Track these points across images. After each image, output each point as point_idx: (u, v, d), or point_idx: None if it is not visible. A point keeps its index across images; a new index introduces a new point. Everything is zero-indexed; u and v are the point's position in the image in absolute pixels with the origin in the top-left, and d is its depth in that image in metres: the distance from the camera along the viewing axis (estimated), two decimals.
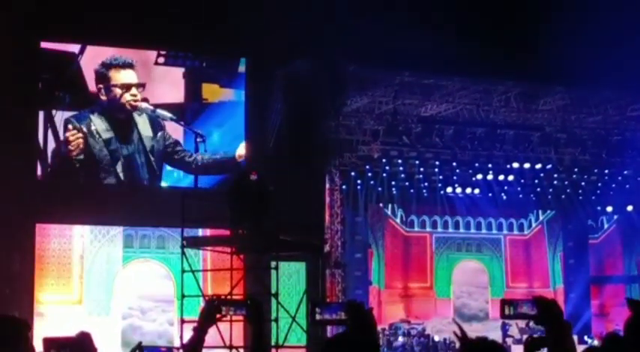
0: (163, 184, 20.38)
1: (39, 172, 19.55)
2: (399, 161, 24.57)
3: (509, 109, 23.85)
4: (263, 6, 19.29)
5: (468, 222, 28.19)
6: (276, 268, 15.93)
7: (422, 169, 25.12)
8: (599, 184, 26.92)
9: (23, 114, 19.25)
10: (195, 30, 19.88)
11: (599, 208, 28.58)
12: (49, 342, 5.03)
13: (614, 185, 26.87)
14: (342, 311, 5.76)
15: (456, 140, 24.29)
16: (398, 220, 27.68)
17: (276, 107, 20.87)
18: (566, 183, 26.76)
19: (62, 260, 20.03)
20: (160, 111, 20.16)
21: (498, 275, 28.36)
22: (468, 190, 26.45)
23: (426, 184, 25.98)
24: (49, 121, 19.50)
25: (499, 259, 28.52)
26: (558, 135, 24.81)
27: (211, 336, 16.41)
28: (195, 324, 5.92)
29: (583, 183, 26.90)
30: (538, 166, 25.39)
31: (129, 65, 19.92)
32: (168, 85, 20.62)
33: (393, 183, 25.79)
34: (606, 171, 26.37)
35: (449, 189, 26.31)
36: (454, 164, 24.95)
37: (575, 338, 6.80)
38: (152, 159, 20.07)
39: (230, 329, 15.58)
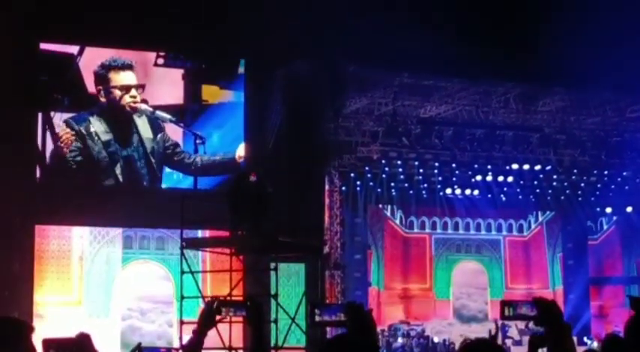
0: (163, 186, 20.37)
1: (38, 174, 19.54)
2: (399, 162, 24.59)
3: (509, 110, 23.87)
4: (262, 7, 19.28)
5: (467, 224, 28.21)
6: (276, 269, 15.92)
7: (421, 170, 25.13)
8: (599, 185, 26.94)
9: (22, 115, 19.23)
10: (194, 31, 19.86)
11: (598, 209, 28.61)
12: (48, 343, 5.02)
13: (613, 186, 26.89)
14: (341, 312, 5.76)
15: (456, 141, 24.30)
16: (397, 221, 27.69)
17: (275, 108, 20.86)
18: (565, 184, 26.78)
19: (61, 261, 20.01)
20: (159, 112, 20.14)
21: (498, 276, 28.38)
22: (468, 191, 26.47)
23: (425, 185, 25.99)
24: (48, 123, 19.48)
25: (498, 260, 28.52)
26: (557, 137, 24.83)
27: (210, 337, 16.32)
28: (194, 326, 5.91)
29: (582, 185, 26.92)
30: (537, 167, 25.42)
31: (128, 66, 19.90)
32: (168, 86, 20.60)
33: (393, 184, 25.81)
34: (605, 173, 26.39)
35: (448, 191, 26.33)
36: (453, 165, 24.98)
37: (575, 339, 6.79)
38: (153, 161, 20.06)
39: (229, 331, 15.57)
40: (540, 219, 29.08)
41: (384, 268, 27.40)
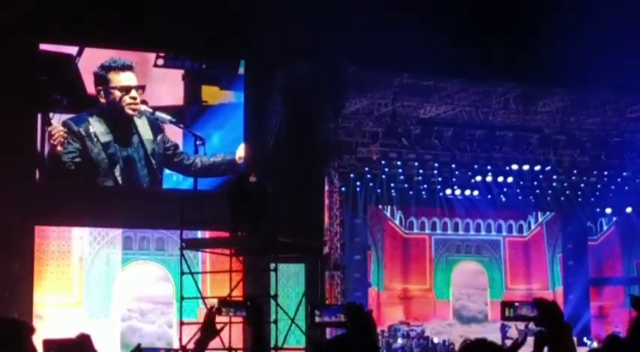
0: (163, 187, 20.37)
1: (37, 175, 19.53)
2: (398, 163, 24.59)
3: (509, 111, 23.86)
4: (262, 8, 19.28)
5: (467, 224, 28.20)
6: (275, 270, 15.91)
7: (421, 171, 25.13)
8: (599, 186, 26.93)
9: (22, 116, 19.23)
10: (194, 32, 19.85)
11: (598, 210, 28.60)
12: (49, 344, 5.02)
13: (613, 186, 26.88)
14: (341, 313, 5.77)
15: (455, 142, 24.29)
16: (397, 222, 27.68)
17: (275, 109, 20.86)
18: (565, 184, 26.77)
19: (61, 262, 20.00)
20: (159, 113, 20.13)
21: (497, 277, 28.37)
22: (467, 192, 26.46)
23: (425, 186, 25.98)
24: (47, 124, 19.47)
25: (498, 261, 28.52)
26: (557, 137, 24.82)
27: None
28: (197, 329, 5.91)
29: (582, 185, 26.91)
30: (537, 168, 25.41)
31: (128, 67, 19.89)
32: (168, 87, 20.59)
33: (392, 184, 25.80)
34: (605, 173, 26.38)
35: (448, 191, 26.33)
36: (453, 166, 24.97)
37: (574, 339, 6.79)
38: (153, 162, 20.05)
39: (229, 331, 15.55)
40: (540, 219, 29.07)
41: (383, 269, 27.39)
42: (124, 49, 20.05)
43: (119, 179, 19.84)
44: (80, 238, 20.33)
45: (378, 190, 25.82)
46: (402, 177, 25.42)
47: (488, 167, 25.20)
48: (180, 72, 20.70)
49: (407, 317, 26.98)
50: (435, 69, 21.05)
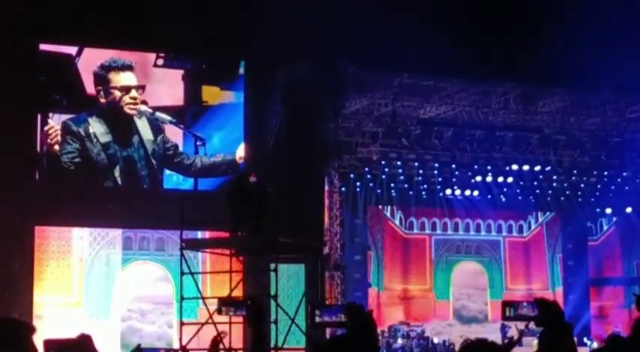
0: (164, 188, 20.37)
1: (37, 175, 19.52)
2: (398, 163, 24.58)
3: (509, 111, 23.86)
4: (262, 8, 19.27)
5: (467, 224, 28.20)
6: (276, 270, 15.89)
7: (421, 171, 25.12)
8: (599, 186, 26.93)
9: (22, 116, 19.22)
10: (193, 32, 19.84)
11: (598, 210, 28.60)
12: (49, 344, 5.02)
13: (613, 187, 26.88)
14: (341, 313, 5.78)
15: (455, 142, 24.30)
16: (397, 222, 27.68)
17: (275, 109, 20.85)
18: (565, 184, 26.77)
19: (61, 262, 20.00)
20: (159, 114, 20.12)
21: (497, 277, 28.36)
22: (467, 192, 26.46)
23: (425, 186, 25.98)
24: (46, 124, 19.46)
25: (498, 261, 28.51)
26: (557, 137, 24.82)
27: (211, 338, 16.20)
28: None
29: (582, 185, 26.91)
30: (537, 168, 25.41)
31: (128, 67, 19.87)
32: (168, 87, 20.58)
33: (392, 185, 25.79)
34: (605, 173, 26.38)
35: (448, 191, 26.33)
36: (453, 166, 24.97)
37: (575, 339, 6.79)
38: (154, 163, 20.03)
39: (229, 331, 15.55)
40: (540, 219, 29.07)
41: (383, 269, 27.39)
42: (124, 49, 20.04)
43: (118, 180, 19.82)
44: (80, 238, 20.32)
45: (378, 190, 25.82)
46: (402, 178, 25.41)
47: (489, 167, 25.20)
48: (181, 72, 20.69)
49: (407, 317, 26.97)
50: (435, 69, 21.05)
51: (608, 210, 28.61)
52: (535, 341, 24.19)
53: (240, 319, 13.90)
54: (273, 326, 15.42)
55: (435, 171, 25.19)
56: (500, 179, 25.70)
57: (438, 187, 25.97)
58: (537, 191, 26.98)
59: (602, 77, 20.93)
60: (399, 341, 25.05)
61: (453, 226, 28.08)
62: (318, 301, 19.24)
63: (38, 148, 19.39)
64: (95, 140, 19.66)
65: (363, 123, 23.47)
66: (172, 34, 19.79)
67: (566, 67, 20.08)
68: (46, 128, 19.32)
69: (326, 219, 22.80)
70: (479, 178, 25.61)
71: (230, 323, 15.31)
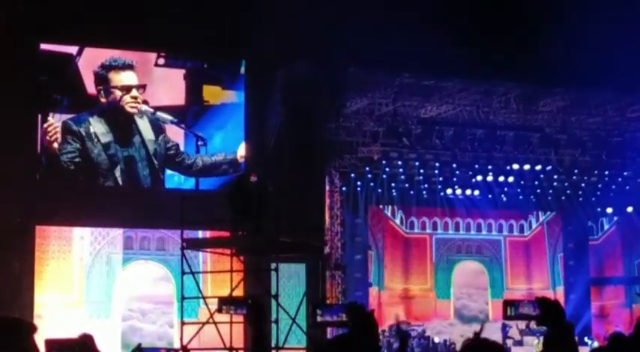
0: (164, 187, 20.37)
1: (37, 175, 19.51)
2: (399, 162, 24.58)
3: (509, 111, 23.85)
4: (262, 8, 19.27)
5: (468, 224, 28.19)
6: (276, 270, 15.89)
7: (422, 171, 25.12)
8: (599, 185, 26.93)
9: (23, 116, 19.23)
10: (194, 32, 19.84)
11: (599, 209, 28.59)
12: (51, 344, 5.02)
13: (614, 186, 26.88)
14: (343, 312, 5.78)
15: (456, 141, 24.29)
16: (398, 222, 27.67)
17: (275, 109, 20.85)
18: (566, 184, 26.76)
19: (62, 262, 20.00)
20: (160, 113, 20.12)
21: (498, 276, 28.36)
22: (468, 192, 26.46)
23: (425, 186, 25.97)
24: (44, 122, 19.45)
25: (499, 261, 28.51)
26: (558, 137, 24.82)
27: (212, 337, 16.28)
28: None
29: (583, 185, 26.90)
30: (538, 167, 25.40)
31: (129, 66, 19.86)
32: (169, 86, 20.57)
33: (393, 184, 25.78)
34: (606, 173, 26.37)
35: (449, 191, 26.32)
36: (454, 165, 24.96)
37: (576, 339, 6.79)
38: (156, 163, 20.03)
39: (230, 331, 15.56)
40: (541, 219, 29.06)
41: (384, 268, 27.38)
42: (124, 48, 20.04)
43: (119, 180, 19.82)
44: (81, 238, 20.32)
45: (379, 190, 25.81)
46: (402, 177, 25.41)
47: (489, 166, 25.19)
48: (182, 72, 20.69)
49: (408, 316, 26.96)
50: (435, 69, 21.04)
51: (609, 210, 28.60)
52: (535, 341, 24.18)
53: (241, 318, 13.92)
54: (274, 325, 15.43)
55: (436, 171, 25.18)
56: (501, 178, 25.70)
57: (439, 187, 25.96)
58: (538, 190, 26.97)
59: (602, 77, 20.93)
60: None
61: (453, 226, 28.07)
62: (319, 301, 19.24)
63: (39, 147, 19.39)
64: (96, 140, 19.65)
65: (363, 122, 23.47)
66: (172, 33, 19.80)
67: (566, 66, 20.09)
68: (45, 125, 19.32)
69: (327, 219, 22.81)
70: (480, 178, 25.60)
71: (231, 322, 15.32)
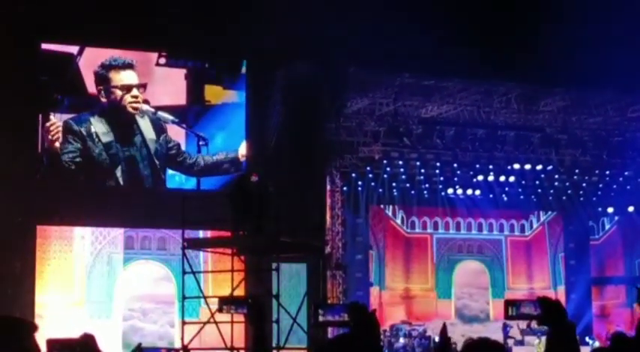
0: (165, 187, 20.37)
1: (38, 174, 19.51)
2: (400, 162, 24.58)
3: (510, 110, 23.86)
4: (262, 7, 19.27)
5: (469, 224, 28.19)
6: (277, 269, 15.91)
7: (423, 170, 25.12)
8: (600, 185, 26.93)
9: (23, 116, 19.23)
10: (194, 32, 19.84)
11: (600, 209, 28.59)
12: (53, 344, 5.02)
13: (615, 186, 26.88)
14: (344, 312, 5.77)
15: (457, 141, 24.29)
16: (399, 221, 27.67)
17: (276, 109, 20.86)
18: (567, 184, 26.77)
19: (63, 261, 20.00)
20: (161, 113, 20.11)
21: (499, 276, 28.36)
22: (469, 191, 26.46)
23: (426, 185, 25.97)
24: (47, 122, 19.45)
25: (500, 260, 28.50)
26: (559, 137, 24.81)
27: (212, 337, 16.26)
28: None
29: (584, 184, 26.90)
30: (539, 167, 25.40)
31: (129, 65, 19.84)
32: (170, 86, 20.57)
33: (394, 184, 25.79)
34: (607, 172, 26.37)
35: (450, 191, 26.33)
36: (455, 165, 24.96)
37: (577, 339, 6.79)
38: (157, 163, 20.02)
39: (231, 330, 15.56)
40: (542, 219, 29.06)
41: (385, 268, 27.38)
42: (125, 48, 20.04)
43: (120, 179, 19.82)
44: (82, 238, 20.32)
45: (380, 190, 25.81)
46: (403, 177, 25.42)
47: (490, 166, 25.19)
48: (183, 71, 20.68)
49: (409, 316, 26.96)
50: (436, 68, 21.03)
51: (610, 210, 28.60)
52: (536, 341, 24.16)
53: (242, 318, 13.92)
54: (274, 325, 15.44)
55: (437, 171, 25.18)
56: (502, 178, 25.71)
57: (440, 186, 25.97)
58: (539, 190, 26.97)
59: (603, 77, 20.93)
60: (401, 340, 25.02)
61: (454, 225, 28.07)
62: (320, 300, 19.25)
63: (40, 146, 19.39)
64: (97, 140, 19.65)
65: (364, 122, 23.47)
66: (173, 33, 19.79)
67: (566, 66, 20.09)
68: (47, 125, 19.32)
69: (328, 219, 22.81)
70: (480, 177, 25.61)
71: (232, 322, 15.32)
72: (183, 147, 20.35)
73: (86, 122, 19.62)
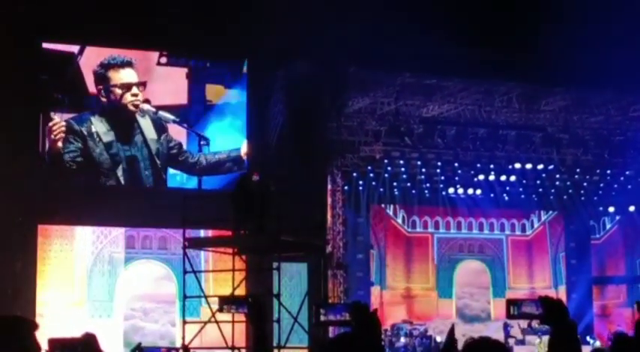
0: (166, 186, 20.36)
1: (39, 174, 19.52)
2: (401, 162, 24.58)
3: (511, 110, 23.85)
4: (263, 7, 19.27)
5: (470, 223, 28.18)
6: (278, 269, 15.92)
7: (424, 170, 25.12)
8: (601, 185, 26.93)
9: (24, 115, 19.23)
10: (194, 31, 19.83)
11: (601, 209, 28.59)
12: (54, 343, 5.02)
13: (616, 185, 26.87)
14: (346, 312, 5.76)
15: (458, 141, 24.29)
16: (400, 221, 27.67)
17: (277, 108, 20.86)
18: (568, 183, 26.77)
19: (64, 261, 20.01)
20: (162, 113, 20.11)
21: (500, 276, 28.35)
22: (470, 191, 26.46)
23: (427, 185, 25.97)
24: (49, 121, 19.45)
25: (501, 260, 28.50)
26: (560, 136, 24.81)
27: (213, 337, 16.29)
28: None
29: (585, 184, 26.90)
30: (540, 167, 25.40)
31: (128, 64, 19.83)
32: (172, 85, 20.56)
33: (395, 183, 25.79)
34: (608, 172, 26.37)
35: (451, 190, 26.32)
36: (456, 164, 24.95)
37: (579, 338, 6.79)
38: (158, 162, 20.02)
39: (232, 330, 15.57)
40: (543, 218, 29.05)
41: (386, 268, 27.38)
42: (125, 48, 20.03)
43: (121, 179, 19.82)
44: (83, 237, 20.32)
45: (381, 189, 25.82)
46: (404, 176, 25.42)
47: (491, 166, 25.19)
48: (184, 70, 20.68)
49: (410, 316, 26.96)
50: (437, 68, 21.02)
51: (611, 209, 28.60)
52: (537, 340, 24.15)
53: (243, 317, 13.93)
54: (275, 324, 15.44)
55: (438, 170, 25.18)
56: (503, 178, 25.71)
57: (441, 186, 25.97)
58: (540, 190, 26.97)
59: (604, 76, 20.93)
60: (402, 339, 25.02)
61: (455, 225, 28.06)
62: (321, 300, 19.25)
63: (40, 146, 19.40)
64: (98, 139, 19.65)
65: (365, 121, 23.47)
66: (174, 33, 19.79)
67: (568, 66, 20.08)
68: (50, 124, 19.33)
69: (329, 218, 22.80)
70: (481, 177, 25.61)
71: (233, 321, 15.33)
72: (184, 147, 20.35)
73: (87, 122, 19.62)
